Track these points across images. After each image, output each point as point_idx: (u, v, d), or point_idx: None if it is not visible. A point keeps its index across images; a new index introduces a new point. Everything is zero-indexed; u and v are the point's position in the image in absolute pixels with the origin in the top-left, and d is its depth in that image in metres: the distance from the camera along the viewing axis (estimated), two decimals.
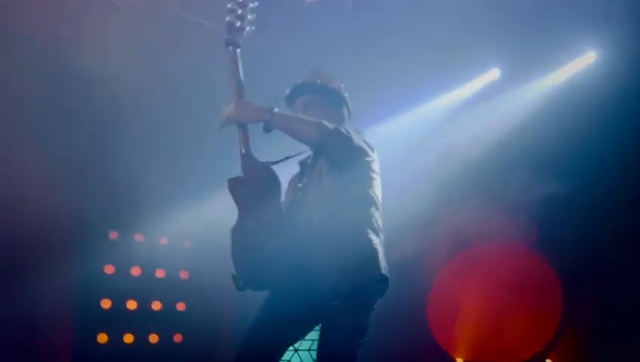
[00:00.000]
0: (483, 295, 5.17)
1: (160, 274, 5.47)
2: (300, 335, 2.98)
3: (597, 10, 4.68)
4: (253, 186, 2.79)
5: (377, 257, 2.80)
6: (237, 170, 2.84)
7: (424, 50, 5.08)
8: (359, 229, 2.81)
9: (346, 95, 3.15)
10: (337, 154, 2.81)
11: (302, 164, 3.13)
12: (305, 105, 3.07)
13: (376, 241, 2.82)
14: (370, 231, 2.82)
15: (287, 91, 3.15)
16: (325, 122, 2.77)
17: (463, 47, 5.12)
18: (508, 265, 5.07)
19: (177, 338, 5.41)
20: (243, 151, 2.80)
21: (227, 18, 2.85)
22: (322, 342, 2.78)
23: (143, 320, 5.30)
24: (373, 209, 2.88)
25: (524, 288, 5.05)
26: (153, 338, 5.33)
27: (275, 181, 2.84)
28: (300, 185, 3.01)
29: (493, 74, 5.58)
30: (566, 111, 4.87)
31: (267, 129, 2.76)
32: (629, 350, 4.50)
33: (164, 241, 5.55)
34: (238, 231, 2.80)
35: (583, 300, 4.83)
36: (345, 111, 3.14)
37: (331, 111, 3.07)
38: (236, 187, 2.81)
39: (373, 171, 2.93)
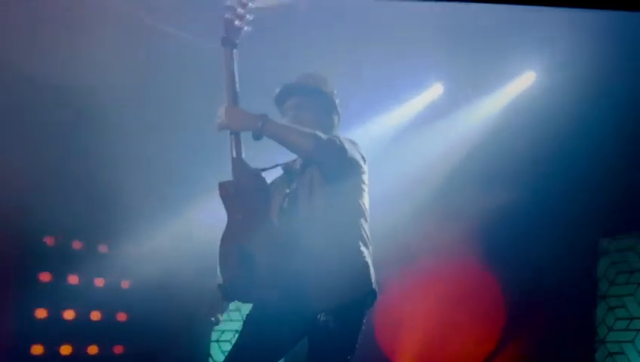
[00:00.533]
0: (429, 307, 5.27)
1: (99, 283, 5.24)
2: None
3: (537, 31, 4.89)
4: (243, 191, 2.74)
5: (369, 271, 2.80)
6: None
7: (366, 65, 5.16)
8: (352, 242, 2.80)
9: (337, 101, 3.10)
10: (330, 168, 2.78)
11: (286, 168, 3.06)
12: (297, 107, 2.99)
13: (367, 254, 2.82)
14: (361, 244, 2.81)
15: (277, 90, 3.07)
16: (319, 133, 2.73)
17: (405, 63, 5.23)
18: (454, 278, 5.20)
19: (118, 349, 5.20)
20: (234, 155, 2.75)
21: (226, 15, 2.80)
22: (312, 359, 2.73)
23: (81, 331, 5.04)
24: (362, 220, 2.87)
25: (469, 301, 5.18)
26: (92, 350, 5.09)
27: (264, 187, 2.80)
28: (287, 190, 2.95)
29: (437, 90, 5.74)
30: (514, 126, 5.08)
31: (257, 137, 2.71)
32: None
33: (103, 249, 5.32)
34: (227, 239, 2.73)
35: (527, 313, 5.03)
36: (335, 117, 3.08)
37: (323, 116, 3.02)
38: (226, 191, 2.76)
39: (363, 183, 2.91)
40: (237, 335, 2.95)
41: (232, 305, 5.53)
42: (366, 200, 2.92)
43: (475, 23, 4.76)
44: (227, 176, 2.81)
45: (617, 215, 4.79)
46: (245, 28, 2.83)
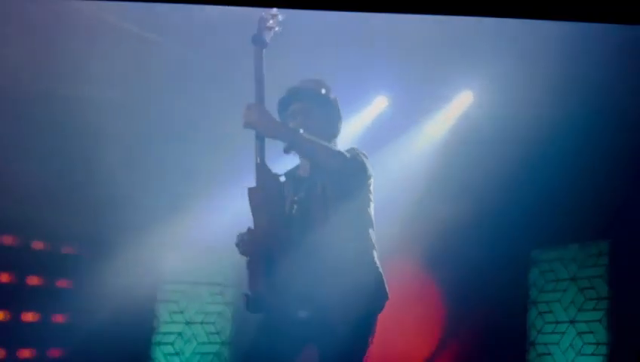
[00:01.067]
0: None
1: (33, 281, 4.92)
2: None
3: (475, 50, 5.11)
4: (268, 197, 2.79)
5: (384, 282, 2.88)
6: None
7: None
8: (367, 253, 2.87)
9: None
10: (350, 184, 2.85)
11: (290, 175, 3.07)
12: (302, 113, 3.01)
13: (379, 264, 2.89)
14: (375, 254, 2.89)
15: (283, 95, 3.08)
16: (344, 152, 2.83)
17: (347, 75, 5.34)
18: (398, 283, 5.35)
19: (54, 353, 4.90)
20: (258, 161, 2.78)
21: (263, 13, 2.82)
22: None
23: (12, 333, 4.71)
24: (371, 230, 2.95)
25: (413, 304, 5.36)
26: (24, 354, 4.76)
27: (283, 193, 2.88)
28: (295, 198, 2.96)
29: (381, 102, 5.90)
30: (455, 144, 5.35)
31: (288, 150, 2.76)
32: None
33: (38, 245, 5.01)
34: (254, 247, 2.75)
35: (466, 316, 5.33)
36: (339, 124, 3.13)
37: (328, 123, 3.06)
38: (256, 197, 2.78)
39: (371, 193, 3.00)
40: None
41: (176, 307, 5.44)
42: (372, 210, 3.00)
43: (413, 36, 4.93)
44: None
45: (547, 229, 5.19)
46: (277, 28, 2.87)
